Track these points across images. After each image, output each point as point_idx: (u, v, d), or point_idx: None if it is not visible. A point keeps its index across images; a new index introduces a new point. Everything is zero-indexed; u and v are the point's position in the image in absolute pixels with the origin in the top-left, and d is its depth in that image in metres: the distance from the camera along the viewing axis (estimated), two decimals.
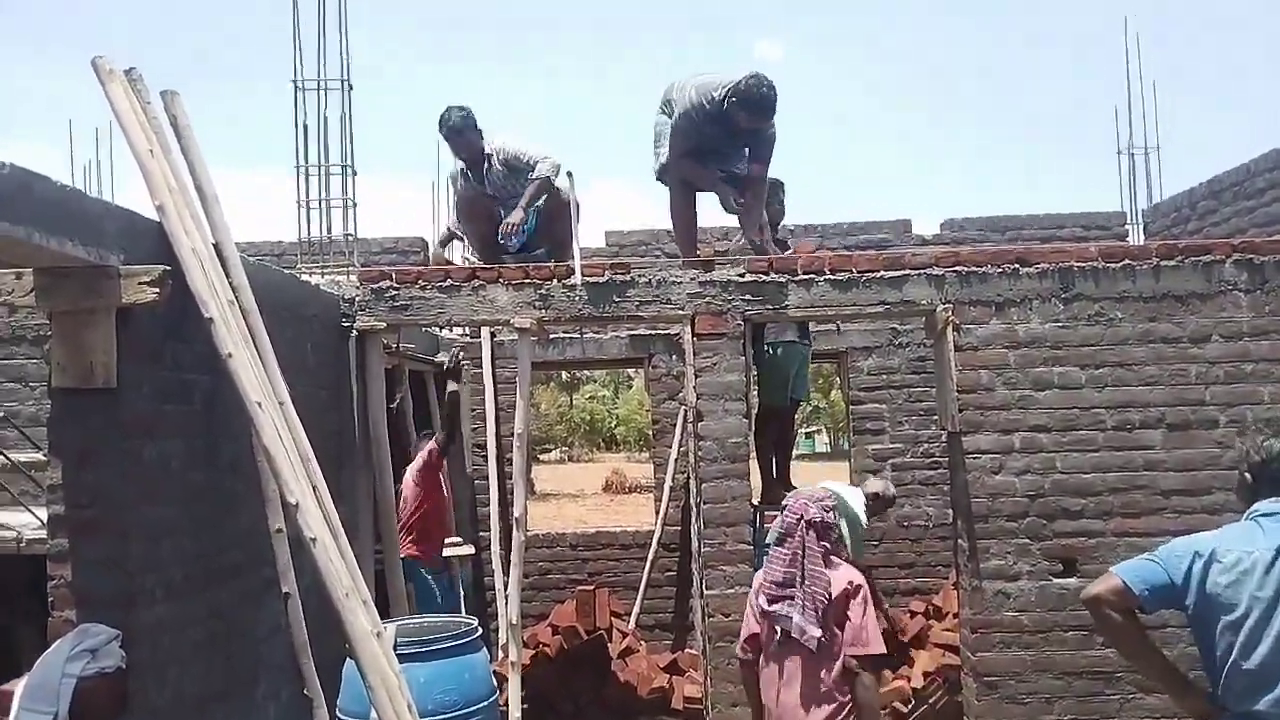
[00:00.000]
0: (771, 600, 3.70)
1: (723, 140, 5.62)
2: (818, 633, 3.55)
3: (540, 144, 6.10)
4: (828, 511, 3.74)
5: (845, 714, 3.57)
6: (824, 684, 3.58)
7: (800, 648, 3.59)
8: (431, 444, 6.50)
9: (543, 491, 22.79)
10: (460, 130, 6.11)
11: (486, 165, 6.18)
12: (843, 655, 3.57)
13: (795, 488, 6.67)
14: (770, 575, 3.74)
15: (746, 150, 5.73)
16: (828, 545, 3.70)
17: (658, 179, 5.96)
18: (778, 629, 3.66)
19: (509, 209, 6.08)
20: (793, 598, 3.62)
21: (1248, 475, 2.73)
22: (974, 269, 5.03)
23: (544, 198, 6.12)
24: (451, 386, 6.51)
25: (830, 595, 3.58)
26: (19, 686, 3.02)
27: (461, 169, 6.33)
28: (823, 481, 6.10)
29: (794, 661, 3.63)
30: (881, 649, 3.62)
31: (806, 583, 3.61)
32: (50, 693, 2.87)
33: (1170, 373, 4.94)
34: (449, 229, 7.08)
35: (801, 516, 3.71)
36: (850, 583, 3.64)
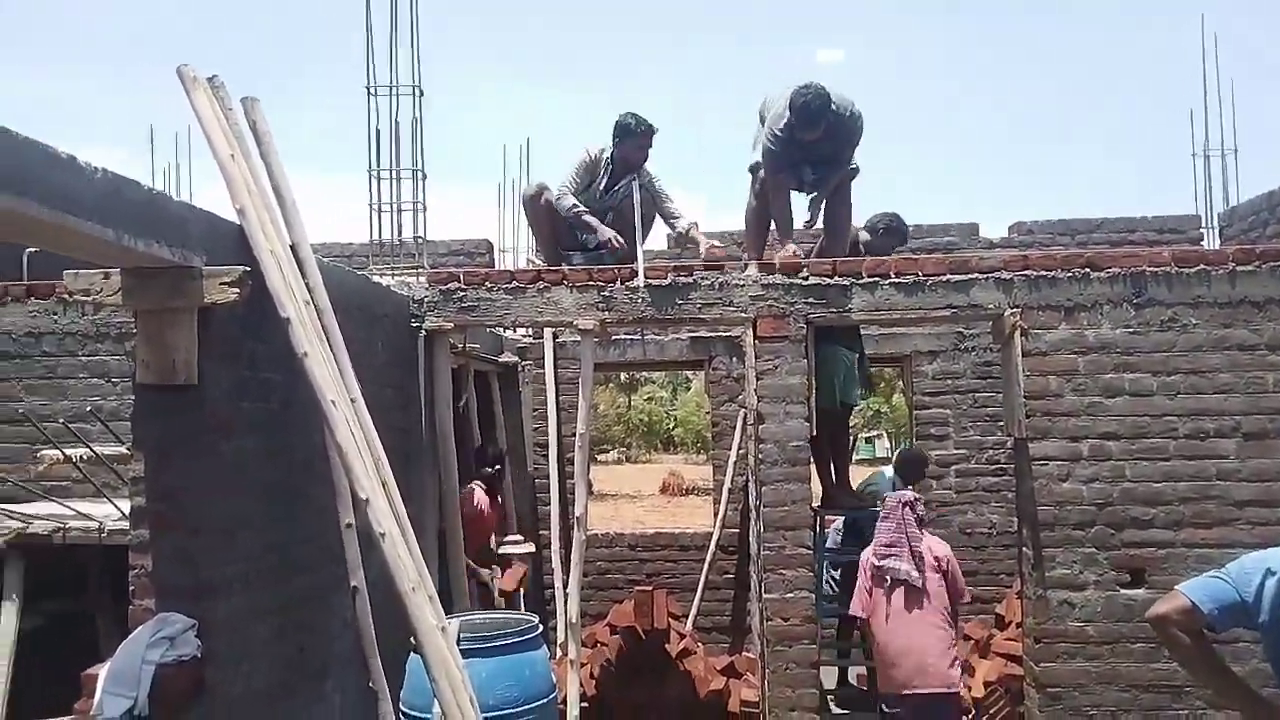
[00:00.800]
0: (882, 557, 5.10)
1: (803, 157, 5.66)
2: (917, 575, 5.00)
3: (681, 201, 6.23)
4: (917, 498, 5.25)
5: (954, 641, 5.06)
6: (931, 618, 4.97)
7: (910, 588, 5.01)
8: (481, 496, 6.48)
9: (601, 492, 22.87)
10: (651, 136, 6.09)
11: (631, 178, 6.09)
12: (951, 600, 5.05)
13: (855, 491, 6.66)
14: (880, 540, 5.16)
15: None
16: (920, 517, 5.16)
17: (749, 169, 6.03)
18: (888, 577, 5.06)
19: (601, 216, 6.08)
20: (899, 555, 5.06)
21: None
22: (1043, 273, 4.96)
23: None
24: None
25: (925, 550, 5.07)
26: (102, 671, 3.15)
27: (608, 160, 6.15)
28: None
29: (900, 597, 5.03)
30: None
31: (911, 543, 5.06)
32: (131, 678, 2.99)
33: (1246, 380, 4.83)
34: (542, 185, 6.56)
35: (900, 500, 5.19)
36: (946, 550, 5.17)
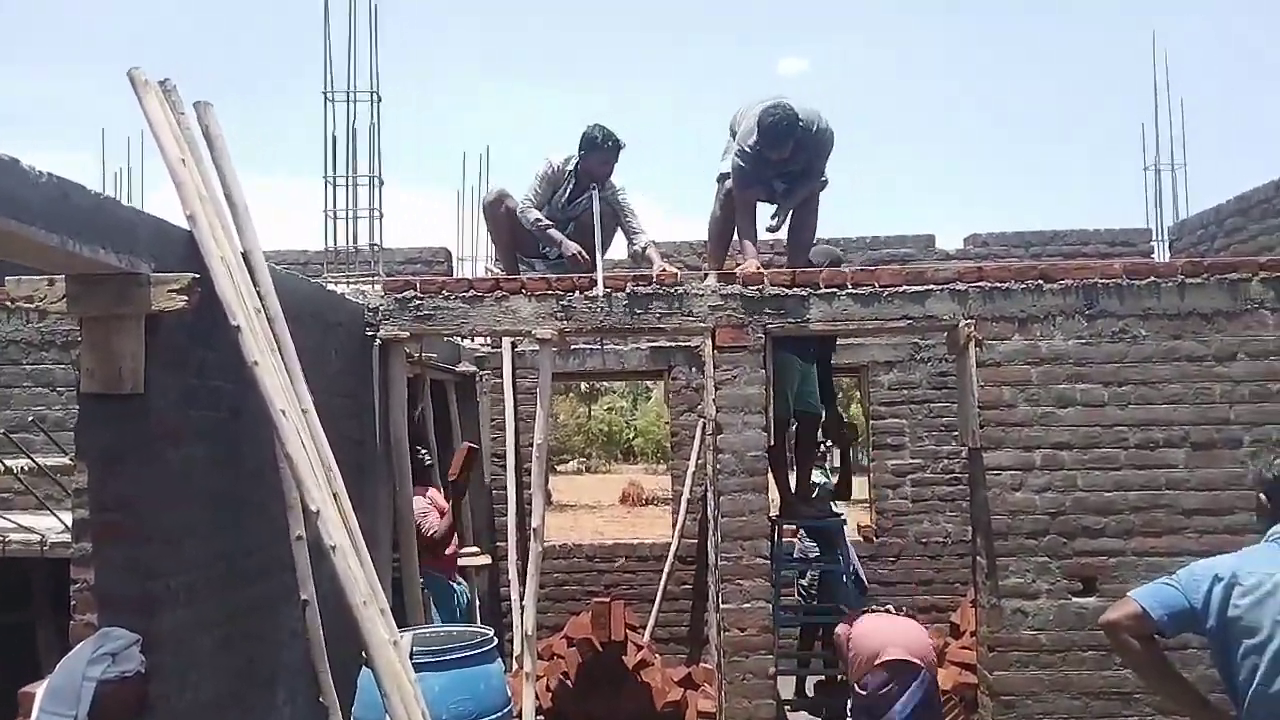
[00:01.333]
0: None
1: (772, 174, 5.67)
2: None
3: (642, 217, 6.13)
4: None
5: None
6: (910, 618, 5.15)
7: None
8: (433, 521, 6.15)
9: (559, 502, 22.78)
10: (617, 152, 6.01)
11: (595, 187, 6.03)
12: None
13: (814, 503, 6.68)
14: None
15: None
16: None
17: (717, 179, 5.99)
18: None
19: (562, 226, 6.02)
20: None
21: (1263, 496, 2.70)
22: (997, 285, 5.02)
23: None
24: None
25: None
26: (40, 689, 3.06)
27: (573, 171, 6.08)
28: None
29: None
30: None
31: None
32: (71, 695, 2.91)
33: (1195, 391, 4.91)
34: (503, 192, 6.47)
35: None
36: None
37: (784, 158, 5.48)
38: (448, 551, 6.39)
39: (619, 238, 6.25)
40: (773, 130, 5.34)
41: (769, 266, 5.77)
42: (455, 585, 6.42)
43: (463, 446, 6.36)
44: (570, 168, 6.07)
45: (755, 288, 5.14)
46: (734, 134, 5.83)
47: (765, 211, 5.95)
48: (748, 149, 5.50)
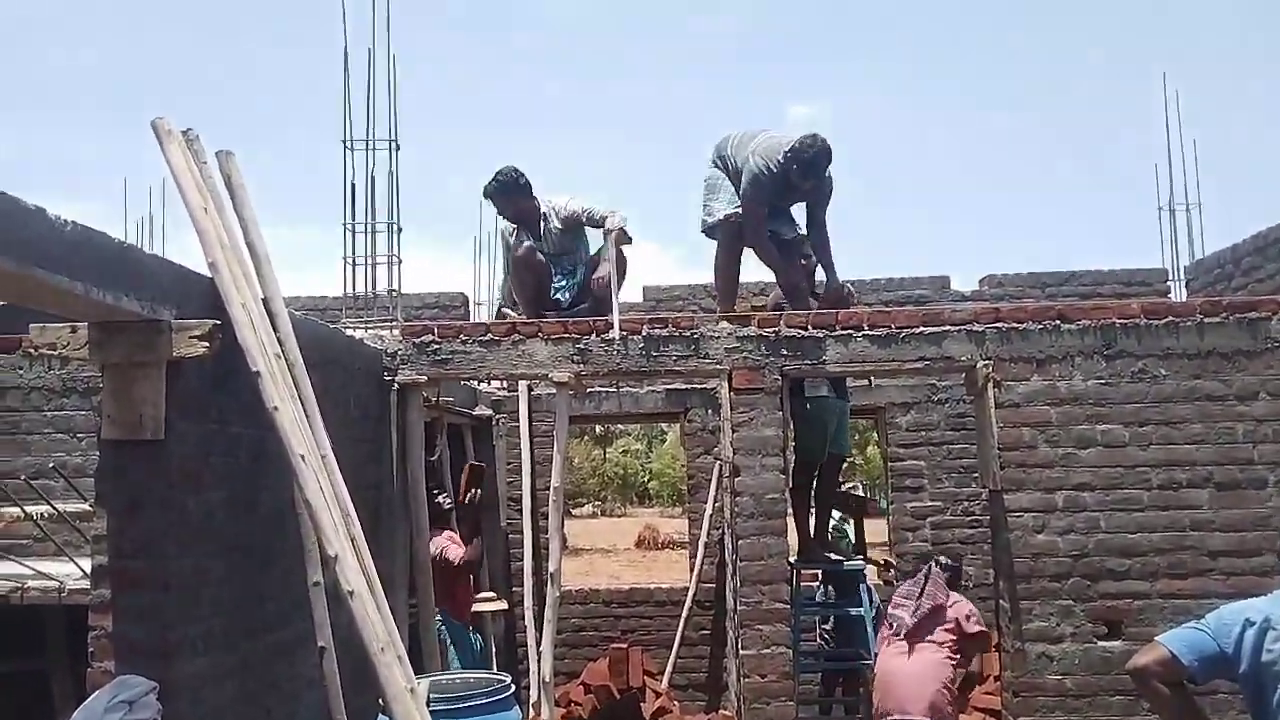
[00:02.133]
0: (893, 606, 5.56)
1: (780, 200, 5.73)
2: (910, 621, 5.36)
3: (598, 202, 6.06)
4: (950, 562, 5.78)
5: (944, 684, 5.27)
6: (923, 658, 5.27)
7: (909, 634, 5.36)
8: (454, 556, 6.19)
9: (575, 546, 22.66)
10: (507, 191, 6.03)
11: (545, 225, 6.09)
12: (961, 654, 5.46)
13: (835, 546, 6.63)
14: (898, 592, 5.67)
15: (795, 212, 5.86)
16: (949, 577, 5.59)
17: (704, 232, 6.00)
18: (892, 623, 5.47)
19: (561, 266, 6.08)
20: (906, 606, 5.45)
21: None
22: (1015, 325, 5.00)
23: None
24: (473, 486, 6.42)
25: (935, 604, 5.42)
26: None
27: (514, 229, 6.21)
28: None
29: (900, 641, 5.39)
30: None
31: (923, 598, 5.43)
32: None
33: (1217, 431, 4.86)
34: (500, 308, 6.67)
35: (934, 561, 5.76)
36: (965, 610, 5.47)
37: (808, 189, 5.56)
38: (467, 594, 6.40)
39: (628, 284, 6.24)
40: (814, 162, 5.48)
41: (779, 308, 5.79)
42: (470, 636, 6.38)
43: (466, 465, 6.34)
44: (505, 227, 6.22)
45: (771, 329, 5.13)
46: (719, 162, 5.84)
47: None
48: (773, 168, 5.55)
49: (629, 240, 5.97)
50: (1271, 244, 8.06)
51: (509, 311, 6.15)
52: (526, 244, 6.02)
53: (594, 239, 6.15)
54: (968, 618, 5.43)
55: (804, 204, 5.89)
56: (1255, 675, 2.47)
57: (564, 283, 6.12)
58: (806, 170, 5.48)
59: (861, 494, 8.87)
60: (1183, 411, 4.88)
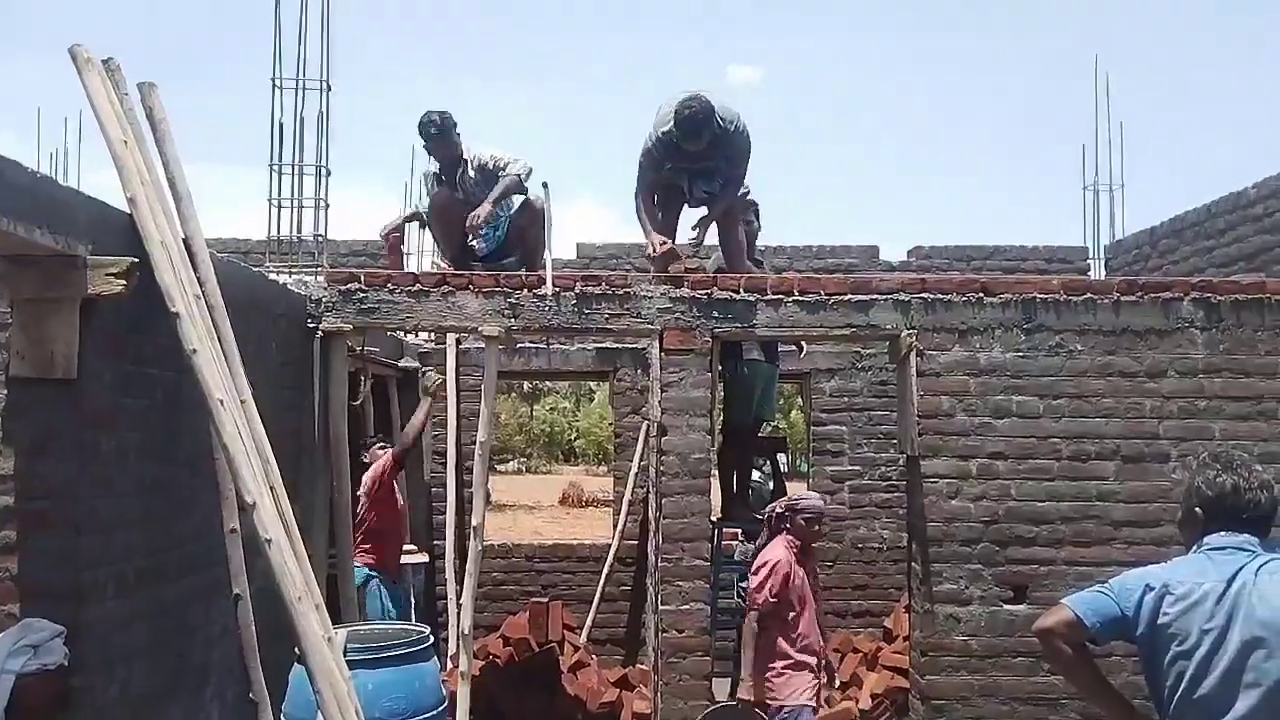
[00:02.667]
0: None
1: (686, 165, 5.64)
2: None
3: (514, 152, 6.15)
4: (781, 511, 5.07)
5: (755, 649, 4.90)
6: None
7: None
8: (388, 456, 6.38)
9: (499, 502, 22.62)
10: (442, 133, 6.10)
11: (461, 171, 6.20)
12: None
13: (753, 506, 6.73)
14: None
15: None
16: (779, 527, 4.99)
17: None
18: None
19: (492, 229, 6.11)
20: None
21: (1198, 510, 2.77)
22: (939, 296, 5.10)
23: (517, 204, 6.16)
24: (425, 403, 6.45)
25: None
26: None
27: (435, 173, 6.32)
28: None
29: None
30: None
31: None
32: None
33: (1126, 406, 5.04)
34: (417, 209, 6.93)
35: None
36: (765, 557, 4.90)
37: (699, 150, 5.48)
38: (399, 547, 6.47)
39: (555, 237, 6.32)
40: (690, 121, 5.32)
41: (699, 270, 5.80)
42: (383, 584, 6.37)
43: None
44: (432, 170, 6.33)
45: (704, 291, 5.16)
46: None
47: (686, 220, 5.95)
48: (660, 136, 5.48)
49: (524, 191, 6.13)
50: (1188, 227, 8.34)
51: (422, 214, 6.40)
52: (441, 190, 6.10)
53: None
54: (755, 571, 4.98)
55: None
56: (1151, 637, 2.59)
57: (484, 232, 6.13)
58: (687, 134, 5.40)
59: (778, 437, 8.92)
60: (1095, 386, 5.04)
